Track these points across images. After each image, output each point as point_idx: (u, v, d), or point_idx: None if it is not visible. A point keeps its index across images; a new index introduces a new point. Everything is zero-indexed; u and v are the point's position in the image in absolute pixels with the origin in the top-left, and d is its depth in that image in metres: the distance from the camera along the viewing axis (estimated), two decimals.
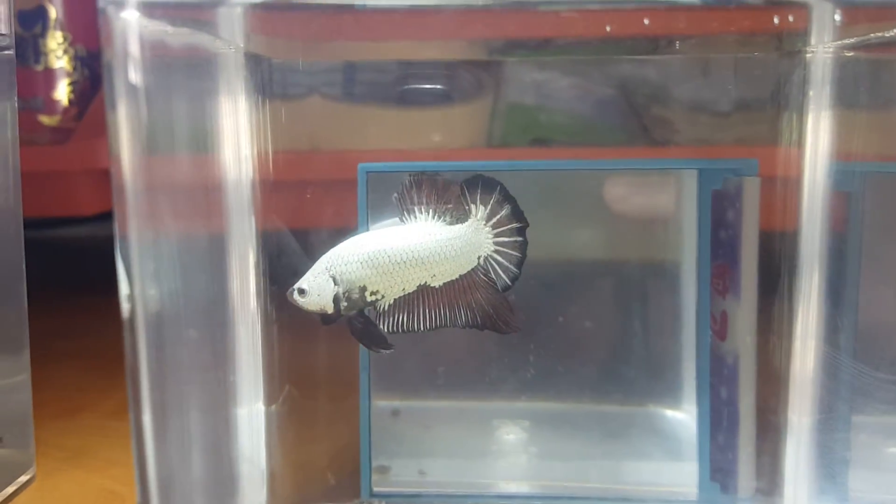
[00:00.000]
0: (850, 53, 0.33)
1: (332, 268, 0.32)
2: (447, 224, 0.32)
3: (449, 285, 0.32)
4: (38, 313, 0.41)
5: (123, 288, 0.27)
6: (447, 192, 0.32)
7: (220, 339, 0.34)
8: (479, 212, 0.32)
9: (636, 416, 0.42)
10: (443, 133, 0.40)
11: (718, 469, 0.36)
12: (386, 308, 0.32)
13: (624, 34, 0.36)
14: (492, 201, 0.32)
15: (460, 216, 0.32)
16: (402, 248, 0.31)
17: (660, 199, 0.41)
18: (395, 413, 0.42)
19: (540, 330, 0.41)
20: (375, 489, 0.37)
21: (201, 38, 0.32)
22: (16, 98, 0.40)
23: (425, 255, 0.31)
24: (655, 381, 0.42)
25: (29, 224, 0.40)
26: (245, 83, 0.35)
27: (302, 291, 0.32)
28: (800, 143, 0.34)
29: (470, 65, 0.40)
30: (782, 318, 0.35)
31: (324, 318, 0.32)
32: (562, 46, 0.38)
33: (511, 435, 0.41)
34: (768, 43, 0.35)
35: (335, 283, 0.32)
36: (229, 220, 0.35)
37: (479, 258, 0.32)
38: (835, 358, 0.34)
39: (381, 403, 0.41)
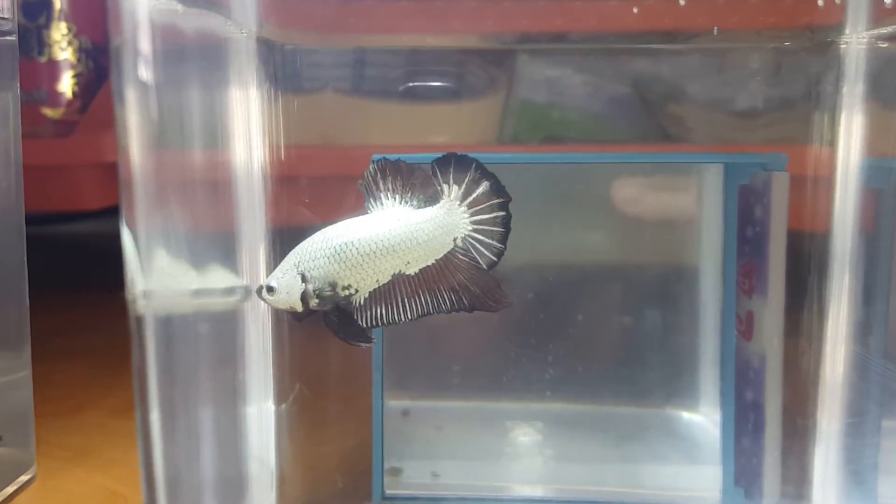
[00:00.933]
0: (885, 44, 0.32)
1: (301, 264, 0.30)
2: (416, 208, 0.30)
3: (426, 271, 0.31)
4: (40, 310, 0.40)
5: (130, 284, 0.26)
6: (413, 175, 0.30)
7: (229, 337, 0.33)
8: (452, 192, 0.30)
9: (653, 418, 0.41)
10: (453, 129, 0.39)
11: (743, 473, 0.35)
12: (362, 302, 0.30)
13: (642, 25, 0.34)
14: (466, 180, 0.30)
15: (430, 198, 0.30)
16: (369, 238, 0.30)
17: (679, 197, 0.40)
18: (406, 413, 0.41)
19: (558, 330, 0.40)
20: (388, 492, 0.36)
21: (212, 21, 0.30)
22: (18, 87, 0.39)
23: (395, 242, 0.30)
24: (673, 383, 0.41)
25: (32, 219, 0.39)
26: (257, 72, 0.34)
27: (270, 289, 0.31)
28: (832, 141, 0.33)
29: (483, 59, 0.38)
30: (811, 320, 0.34)
31: (294, 315, 0.31)
32: (579, 38, 0.37)
33: (526, 437, 0.40)
34: (800, 33, 0.34)
35: (304, 281, 0.30)
36: (239, 216, 0.34)
37: (454, 240, 0.30)
38: (866, 360, 0.33)
39: (392, 403, 0.40)
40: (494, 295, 0.31)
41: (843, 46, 0.32)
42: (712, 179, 0.38)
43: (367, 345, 0.31)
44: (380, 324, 0.31)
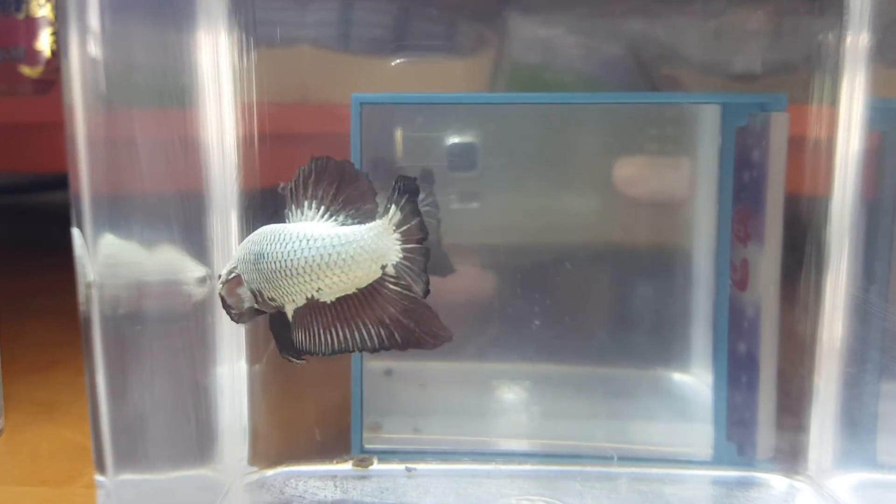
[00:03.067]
0: None
1: (238, 263, 0.27)
2: (341, 223, 0.26)
3: (346, 301, 0.25)
4: (15, 271, 0.39)
5: (78, 251, 0.25)
6: (354, 184, 0.26)
7: (198, 297, 0.31)
8: (389, 214, 0.25)
9: (643, 379, 0.39)
10: (441, 88, 0.37)
11: (735, 429, 0.34)
12: (290, 320, 0.26)
13: None
14: (406, 205, 0.25)
15: (363, 215, 0.26)
16: (276, 254, 0.26)
17: (670, 147, 0.38)
18: (388, 373, 0.39)
19: (545, 290, 0.38)
20: (367, 446, 0.35)
21: None
22: None
23: (301, 264, 0.25)
24: (664, 344, 0.39)
25: (6, 181, 0.38)
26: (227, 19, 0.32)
27: (220, 278, 0.28)
28: (835, 96, 0.31)
29: (473, 16, 0.37)
30: (810, 268, 0.32)
31: (232, 315, 0.28)
32: None
33: (512, 394, 0.39)
34: None
35: (241, 281, 0.27)
36: (209, 179, 0.32)
37: (383, 267, 0.25)
38: (867, 307, 0.31)
39: (374, 364, 0.39)
40: (432, 328, 0.25)
41: None
42: (706, 125, 0.37)
43: (298, 362, 0.26)
44: (303, 350, 0.26)
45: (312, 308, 0.26)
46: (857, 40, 0.31)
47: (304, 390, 0.36)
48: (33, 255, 0.75)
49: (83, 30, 0.24)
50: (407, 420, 0.37)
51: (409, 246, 0.25)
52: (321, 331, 0.26)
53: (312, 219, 0.26)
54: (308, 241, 0.25)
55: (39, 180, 0.93)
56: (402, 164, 0.36)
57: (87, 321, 0.25)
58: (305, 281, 0.25)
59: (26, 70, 0.73)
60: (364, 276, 0.25)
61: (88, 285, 0.25)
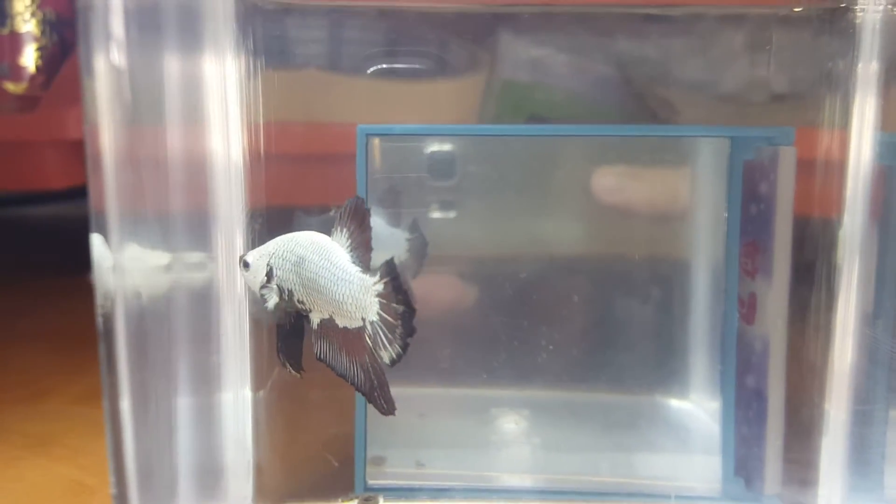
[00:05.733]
0: None
1: (273, 256, 0.28)
2: (350, 261, 0.27)
3: (347, 333, 0.27)
4: (2, 293, 0.38)
5: (100, 267, 0.24)
6: (367, 233, 0.27)
7: (203, 321, 0.31)
8: (377, 280, 0.27)
9: (642, 406, 0.39)
10: (435, 108, 0.37)
11: (743, 463, 0.34)
12: (315, 327, 0.28)
13: None
14: (390, 282, 0.26)
15: (362, 262, 0.27)
16: (312, 265, 0.27)
17: (670, 178, 0.38)
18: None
19: (545, 316, 0.38)
20: (370, 482, 0.34)
21: None
22: None
23: (321, 284, 0.27)
24: (663, 371, 0.39)
25: None
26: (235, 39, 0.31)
27: (246, 265, 0.29)
28: (845, 121, 0.31)
29: (465, 37, 0.37)
30: (818, 303, 0.32)
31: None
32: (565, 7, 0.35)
33: (512, 424, 0.39)
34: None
35: (272, 275, 0.28)
36: (216, 196, 0.32)
37: (363, 319, 0.27)
38: (876, 345, 0.31)
39: None
40: (381, 396, 0.27)
41: (858, 16, 0.30)
42: (707, 160, 0.37)
43: (294, 372, 0.28)
44: (321, 359, 0.27)
45: (333, 325, 0.27)
46: (868, 68, 0.31)
47: (308, 422, 0.36)
48: (17, 274, 0.74)
49: (107, 53, 0.24)
50: (409, 453, 0.36)
51: (385, 315, 0.26)
52: (333, 348, 0.27)
53: (343, 245, 0.27)
54: (328, 265, 0.27)
55: (20, 196, 0.92)
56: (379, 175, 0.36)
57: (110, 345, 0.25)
58: (324, 300, 0.27)
59: (10, 86, 0.72)
60: (350, 318, 0.27)
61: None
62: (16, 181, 0.72)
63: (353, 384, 0.27)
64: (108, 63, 0.24)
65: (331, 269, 0.27)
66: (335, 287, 0.27)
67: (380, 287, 0.26)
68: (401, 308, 0.26)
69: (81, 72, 0.24)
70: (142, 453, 0.25)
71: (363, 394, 0.27)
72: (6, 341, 0.42)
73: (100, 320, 0.26)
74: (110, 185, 0.25)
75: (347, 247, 0.27)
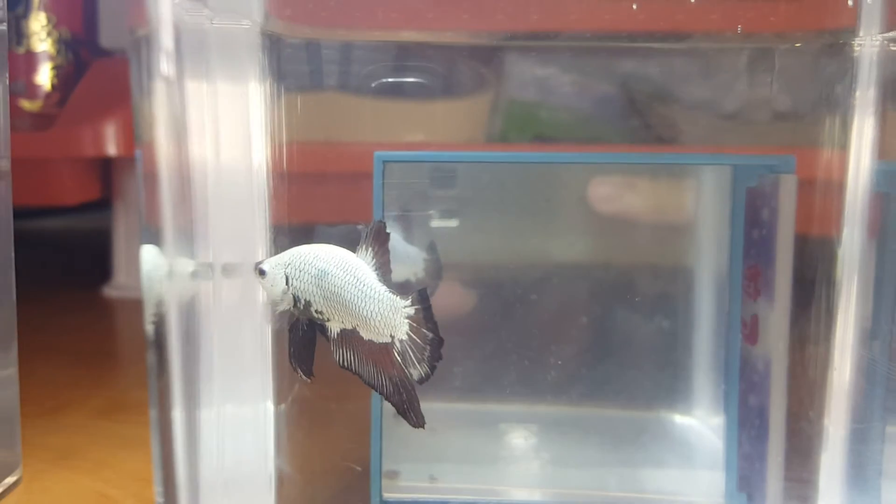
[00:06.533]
0: None
1: (290, 266, 0.29)
2: (377, 279, 0.28)
3: (373, 345, 0.28)
4: (19, 306, 0.39)
5: (151, 278, 0.26)
6: (386, 254, 0.29)
7: (229, 336, 0.32)
8: (409, 303, 0.28)
9: (647, 422, 0.41)
10: (444, 127, 0.38)
11: (745, 479, 0.35)
12: (335, 336, 0.29)
13: (652, 25, 0.34)
14: (422, 308, 0.28)
15: (388, 280, 0.29)
16: (336, 279, 0.28)
17: (675, 200, 0.40)
18: (397, 415, 0.40)
19: (554, 333, 0.39)
20: (385, 495, 0.35)
21: (223, 15, 0.30)
22: (7, 77, 0.38)
23: (346, 298, 0.28)
24: (667, 387, 0.40)
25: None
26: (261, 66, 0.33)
27: (262, 272, 0.30)
28: (844, 145, 0.32)
29: (473, 58, 0.38)
30: (818, 324, 0.33)
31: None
32: (572, 35, 0.36)
33: (521, 440, 0.40)
34: (813, 35, 0.33)
35: (286, 284, 0.29)
36: (241, 213, 0.33)
37: (392, 336, 0.28)
38: (872, 365, 0.33)
39: (389, 406, 0.39)
40: (411, 409, 0.28)
41: (856, 49, 0.32)
42: (710, 182, 0.38)
43: (305, 378, 0.29)
44: (343, 365, 0.29)
45: (356, 336, 0.28)
46: (866, 95, 0.32)
47: (323, 432, 0.37)
48: (32, 288, 0.75)
49: (161, 77, 0.25)
50: (422, 467, 0.38)
51: (414, 337, 0.28)
52: (359, 358, 0.28)
53: (368, 263, 0.29)
54: (354, 281, 0.28)
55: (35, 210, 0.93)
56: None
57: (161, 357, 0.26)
58: (349, 314, 0.28)
59: (26, 104, 0.74)
60: (378, 333, 0.28)
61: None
62: (31, 196, 0.73)
63: (381, 394, 0.28)
64: (161, 87, 0.25)
65: (357, 286, 0.28)
66: (362, 303, 0.28)
67: (410, 311, 0.28)
68: (430, 335, 0.27)
69: (133, 94, 0.25)
70: (188, 462, 0.26)
71: (393, 405, 0.28)
72: (26, 355, 0.43)
73: (150, 328, 0.27)
74: (166, 199, 0.27)
75: (372, 265, 0.28)
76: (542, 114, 0.40)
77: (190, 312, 0.28)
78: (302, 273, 0.29)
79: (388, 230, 0.29)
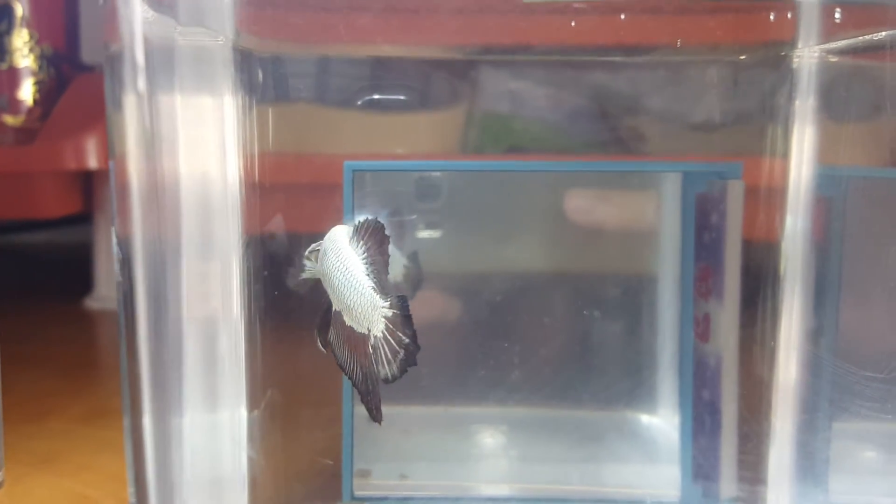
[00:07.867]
0: (835, 58, 0.33)
1: (320, 244, 0.31)
2: (364, 273, 0.29)
3: (352, 331, 0.29)
4: (2, 317, 0.40)
5: (120, 291, 0.27)
6: (384, 252, 0.29)
7: (201, 343, 0.33)
8: (389, 305, 0.28)
9: (613, 421, 0.42)
10: (419, 139, 0.40)
11: (700, 472, 0.36)
12: (333, 312, 0.30)
13: (603, 39, 0.36)
14: (400, 312, 0.28)
15: (379, 274, 0.29)
16: (330, 262, 0.29)
17: (638, 206, 0.41)
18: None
19: (521, 336, 0.41)
20: (357, 493, 0.37)
21: (193, 31, 0.31)
22: None
23: (334, 282, 0.29)
24: (633, 388, 0.42)
25: None
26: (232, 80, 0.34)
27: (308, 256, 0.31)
28: (785, 153, 0.34)
29: (447, 71, 0.39)
30: (765, 321, 0.35)
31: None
32: (542, 50, 0.38)
33: (491, 439, 0.41)
34: (754, 48, 0.35)
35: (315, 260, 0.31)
36: (213, 223, 0.34)
37: (368, 330, 0.29)
38: (818, 360, 0.34)
39: (361, 409, 0.41)
40: (374, 403, 0.29)
41: (795, 61, 0.34)
42: (671, 189, 0.40)
43: (322, 347, 0.30)
44: (329, 344, 0.30)
45: (342, 318, 0.29)
46: (806, 100, 0.34)
47: (296, 435, 0.38)
48: (16, 300, 0.76)
49: (134, 91, 0.27)
50: (394, 466, 0.39)
51: (389, 338, 0.28)
52: (343, 340, 0.29)
53: (359, 256, 0.29)
54: (341, 267, 0.29)
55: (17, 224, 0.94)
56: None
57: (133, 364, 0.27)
58: (337, 298, 0.29)
59: (9, 119, 0.75)
60: (358, 323, 0.29)
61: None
62: (14, 210, 0.74)
63: (349, 378, 0.29)
64: (132, 101, 0.27)
65: (344, 273, 0.29)
66: (347, 291, 0.29)
67: (388, 313, 0.28)
68: (406, 340, 0.28)
69: (107, 108, 0.26)
70: (159, 466, 0.27)
71: (359, 392, 0.29)
72: (10, 365, 0.44)
73: (123, 342, 0.28)
74: (136, 210, 0.28)
75: (364, 259, 0.29)
76: (516, 126, 0.41)
77: (162, 317, 0.29)
78: (320, 250, 0.30)
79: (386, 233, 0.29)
